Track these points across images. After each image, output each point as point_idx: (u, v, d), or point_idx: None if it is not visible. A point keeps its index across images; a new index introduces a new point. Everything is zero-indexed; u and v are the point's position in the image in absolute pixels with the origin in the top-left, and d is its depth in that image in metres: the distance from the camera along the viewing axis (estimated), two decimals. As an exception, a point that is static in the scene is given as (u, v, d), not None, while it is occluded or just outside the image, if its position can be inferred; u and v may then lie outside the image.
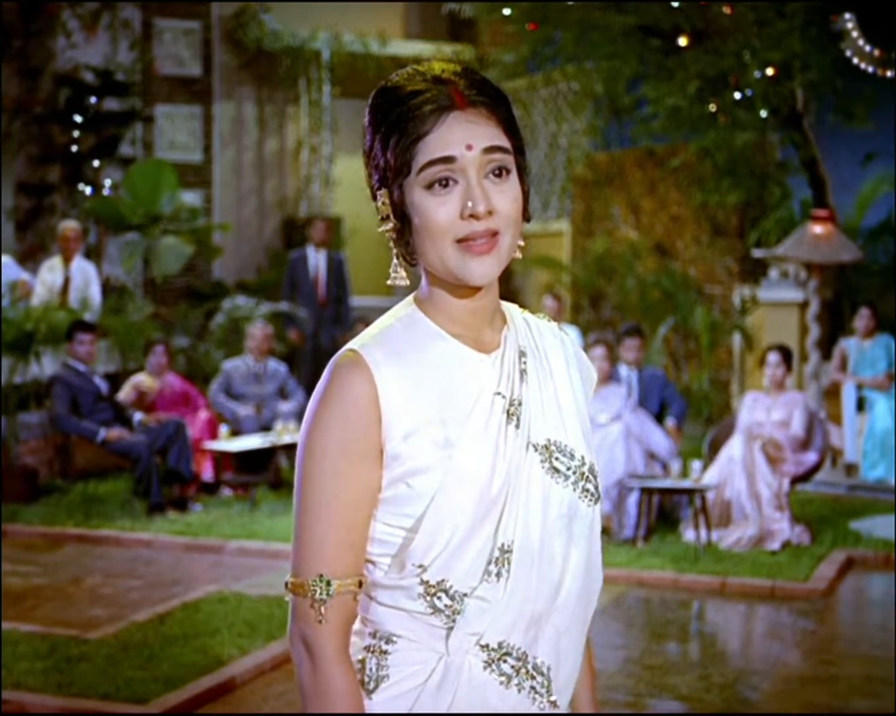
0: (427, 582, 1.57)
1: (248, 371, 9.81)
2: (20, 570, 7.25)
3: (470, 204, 1.56)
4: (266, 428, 9.36)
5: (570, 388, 1.71)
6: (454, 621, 1.59)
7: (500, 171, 1.59)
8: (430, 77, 1.61)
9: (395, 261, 1.63)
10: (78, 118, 13.11)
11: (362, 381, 1.57)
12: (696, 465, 7.46)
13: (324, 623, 1.57)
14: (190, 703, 5.00)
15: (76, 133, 13.15)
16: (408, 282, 1.64)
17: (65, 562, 7.52)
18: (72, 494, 8.84)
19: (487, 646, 1.60)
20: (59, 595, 6.75)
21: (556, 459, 1.65)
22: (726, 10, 10.30)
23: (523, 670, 1.63)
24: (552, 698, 1.65)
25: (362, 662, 1.63)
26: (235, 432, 9.30)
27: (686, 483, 7.46)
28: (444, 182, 1.57)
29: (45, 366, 9.14)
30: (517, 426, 1.62)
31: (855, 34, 10.23)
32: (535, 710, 1.63)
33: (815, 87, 10.64)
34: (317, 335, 11.74)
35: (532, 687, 1.63)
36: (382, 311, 1.74)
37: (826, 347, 10.46)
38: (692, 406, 11.47)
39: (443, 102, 1.57)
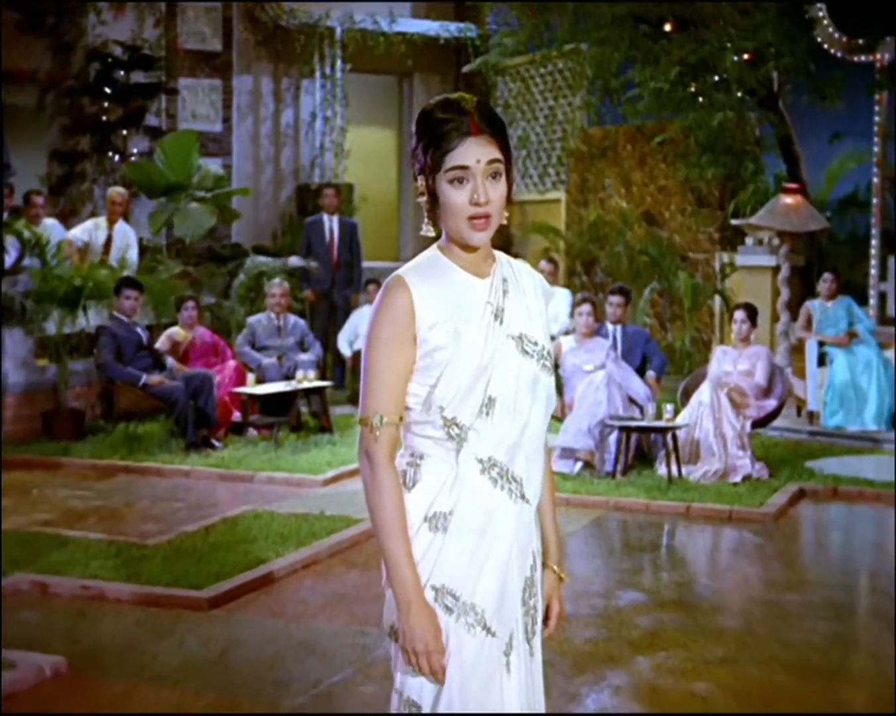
0: (446, 417, 2.57)
1: (270, 325, 10.81)
2: (78, 494, 8.29)
3: (476, 196, 2.53)
4: (288, 377, 10.33)
5: (536, 302, 2.72)
6: (461, 445, 2.58)
7: (495, 175, 2.57)
8: (457, 107, 2.55)
9: (426, 219, 2.63)
10: (107, 90, 14.02)
11: (403, 294, 2.56)
12: (668, 407, 8.45)
13: (377, 442, 2.57)
14: (237, 590, 6.05)
15: (105, 104, 14.08)
16: (433, 233, 2.63)
17: (116, 489, 8.54)
18: (115, 434, 9.81)
19: (482, 460, 2.60)
20: (115, 514, 7.79)
21: (526, 344, 2.64)
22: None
23: (505, 477, 2.62)
24: (525, 497, 2.65)
25: (405, 472, 2.63)
26: (260, 380, 10.29)
27: (660, 423, 8.47)
28: (461, 180, 2.55)
29: (91, 318, 10.13)
30: (501, 323, 2.62)
31: (826, 22, 11.19)
32: (511, 503, 2.64)
33: (789, 72, 11.59)
34: (330, 295, 12.69)
35: (510, 489, 2.63)
36: (390, 272, 2.71)
37: (796, 308, 11.41)
38: (675, 363, 12.45)
39: (463, 130, 2.53)
